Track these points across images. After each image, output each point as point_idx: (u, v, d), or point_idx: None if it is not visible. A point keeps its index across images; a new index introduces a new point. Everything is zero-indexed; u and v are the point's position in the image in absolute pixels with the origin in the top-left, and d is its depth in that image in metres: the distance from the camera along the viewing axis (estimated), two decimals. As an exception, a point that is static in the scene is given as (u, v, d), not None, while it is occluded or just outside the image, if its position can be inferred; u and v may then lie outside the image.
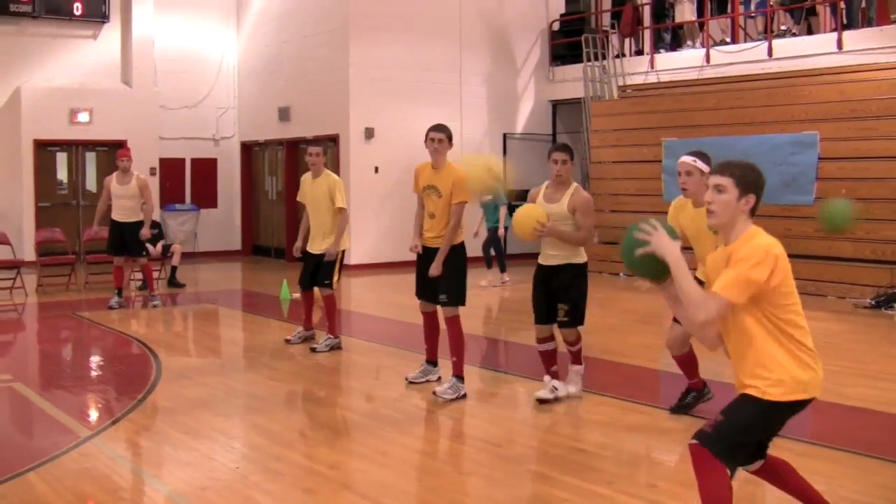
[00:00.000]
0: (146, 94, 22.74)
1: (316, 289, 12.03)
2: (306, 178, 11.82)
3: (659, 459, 7.42)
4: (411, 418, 8.53)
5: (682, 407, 8.47)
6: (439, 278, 9.11)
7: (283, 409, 9.15)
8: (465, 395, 9.12)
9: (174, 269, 18.18)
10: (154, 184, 22.58)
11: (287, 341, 12.14)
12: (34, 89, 21.71)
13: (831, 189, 16.57)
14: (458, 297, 9.21)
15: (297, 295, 15.65)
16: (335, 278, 11.67)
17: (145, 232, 15.32)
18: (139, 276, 17.64)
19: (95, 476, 6.94)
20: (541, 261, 8.89)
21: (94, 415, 9.19)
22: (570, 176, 8.73)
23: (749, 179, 4.81)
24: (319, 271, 11.69)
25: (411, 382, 9.72)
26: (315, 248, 11.71)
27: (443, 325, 9.42)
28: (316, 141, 12.03)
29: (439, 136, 9.24)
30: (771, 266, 4.59)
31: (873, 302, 14.99)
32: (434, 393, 9.11)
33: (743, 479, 5.74)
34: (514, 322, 14.40)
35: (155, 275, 18.08)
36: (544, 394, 8.91)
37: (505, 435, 7.95)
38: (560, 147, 8.87)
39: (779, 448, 7.31)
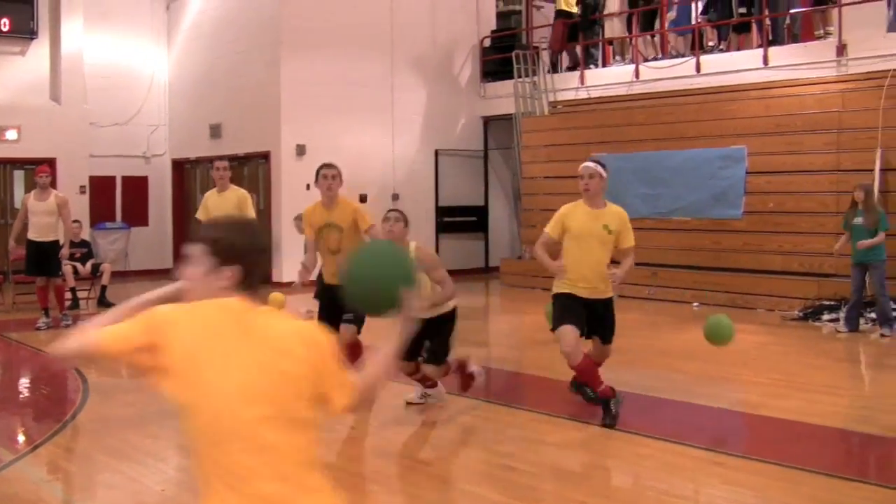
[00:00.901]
0: (76, 111, 22.46)
1: None
2: (211, 194, 11.62)
3: (592, 475, 7.43)
4: (337, 436, 8.45)
5: (613, 417, 8.50)
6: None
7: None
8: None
9: (104, 288, 17.98)
10: (84, 202, 22.35)
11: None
12: (-40, 106, 21.39)
13: (759, 202, 16.78)
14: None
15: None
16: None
17: (65, 252, 14.95)
18: (68, 295, 17.42)
19: (19, 501, 6.84)
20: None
21: (18, 438, 9.06)
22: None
23: (224, 245, 3.30)
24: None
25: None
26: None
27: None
28: (221, 157, 11.73)
29: (332, 172, 9.52)
30: None
31: (801, 314, 15.18)
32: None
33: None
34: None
35: (84, 294, 17.93)
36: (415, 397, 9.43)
37: (433, 452, 7.94)
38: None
39: (708, 462, 7.38)
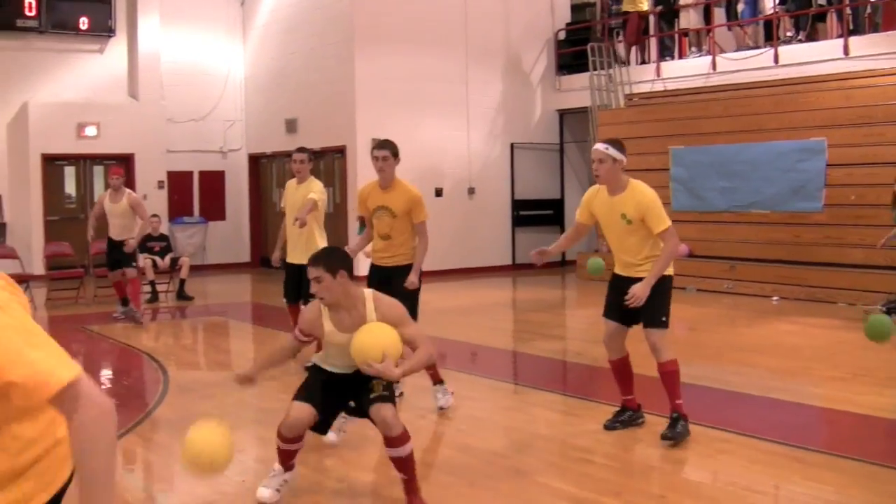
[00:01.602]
0: (153, 107, 22.76)
1: (302, 303, 11.28)
2: (290, 183, 11.39)
3: (668, 469, 7.35)
4: (418, 430, 8.45)
5: (618, 423, 8.26)
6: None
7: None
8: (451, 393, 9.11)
9: (182, 281, 18.19)
10: (162, 197, 22.66)
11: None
12: (41, 104, 21.74)
13: (840, 195, 16.53)
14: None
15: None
16: None
17: (131, 243, 15.04)
18: (147, 288, 17.69)
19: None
20: None
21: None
22: None
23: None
24: (304, 284, 10.39)
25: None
26: (298, 258, 10.88)
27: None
28: (301, 148, 11.42)
29: (382, 154, 9.13)
30: None
31: (884, 308, 14.92)
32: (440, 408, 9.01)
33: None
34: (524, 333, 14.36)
35: (163, 287, 18.15)
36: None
37: (511, 445, 7.91)
38: None
39: (788, 458, 7.28)
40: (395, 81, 20.98)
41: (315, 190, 10.97)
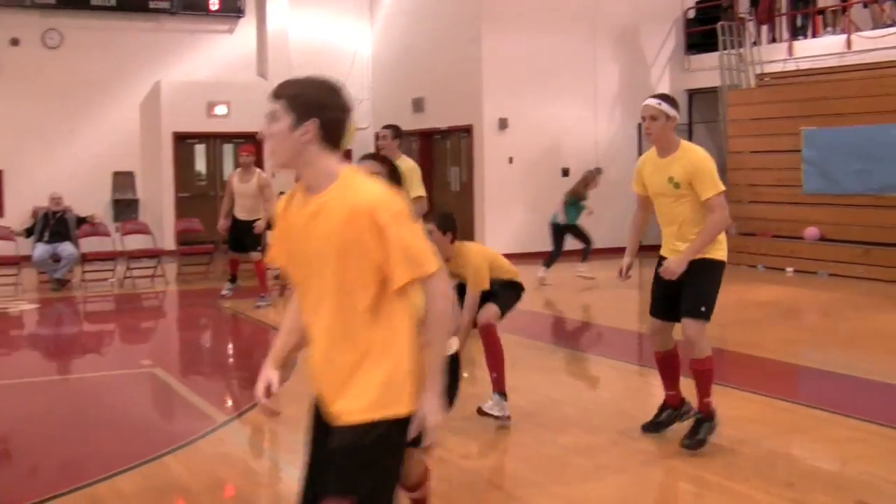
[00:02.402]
0: (282, 86, 22.98)
1: None
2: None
3: (797, 457, 7.19)
4: (545, 411, 8.37)
5: (655, 425, 7.52)
6: None
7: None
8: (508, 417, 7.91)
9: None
10: (290, 176, 22.80)
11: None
12: (173, 83, 22.15)
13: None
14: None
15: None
16: None
17: (260, 224, 14.80)
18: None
19: (231, 461, 7.04)
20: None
21: (230, 401, 9.33)
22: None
23: (304, 99, 3.57)
24: None
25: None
26: None
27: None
28: (388, 125, 10.86)
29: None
30: None
31: None
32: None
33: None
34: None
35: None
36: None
37: (637, 428, 7.81)
38: None
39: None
40: (522, 61, 20.87)
41: (415, 176, 10.40)
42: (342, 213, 3.48)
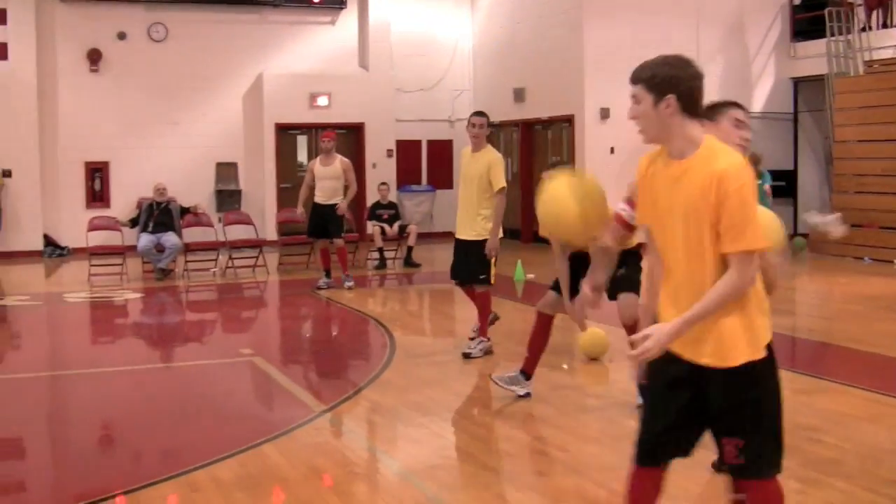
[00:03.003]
0: (383, 77, 23.07)
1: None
2: (465, 152, 10.27)
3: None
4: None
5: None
6: None
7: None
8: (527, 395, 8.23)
9: (410, 249, 18.38)
10: (391, 165, 22.97)
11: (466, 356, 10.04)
12: (275, 75, 22.33)
13: None
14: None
15: (532, 276, 15.69)
16: (492, 272, 9.98)
17: (342, 205, 15.10)
18: (375, 255, 17.99)
19: (328, 450, 7.03)
20: None
21: (328, 390, 9.32)
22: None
23: (660, 79, 3.98)
24: (471, 264, 10.03)
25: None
26: (464, 233, 10.10)
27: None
28: (479, 112, 10.28)
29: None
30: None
31: None
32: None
33: None
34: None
35: (391, 254, 18.39)
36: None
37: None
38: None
39: None
40: (624, 50, 20.56)
41: (498, 167, 9.87)
42: (702, 178, 3.84)
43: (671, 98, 3.93)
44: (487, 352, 9.98)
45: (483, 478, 6.35)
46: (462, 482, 6.40)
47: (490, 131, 10.32)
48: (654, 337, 3.91)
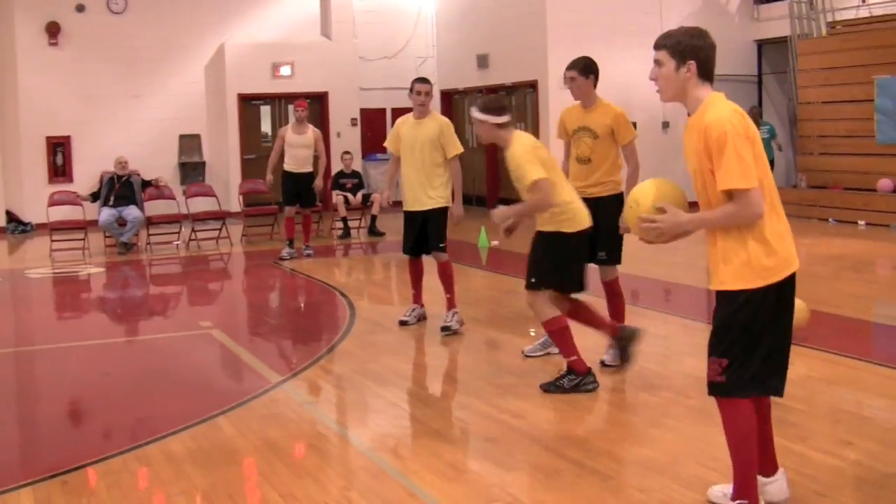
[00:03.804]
0: (346, 46, 22.92)
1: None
2: (405, 119, 9.94)
3: (860, 415, 6.94)
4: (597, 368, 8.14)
5: (555, 387, 7.42)
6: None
7: (472, 357, 9.03)
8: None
9: (374, 217, 18.31)
10: (355, 134, 22.86)
11: (402, 322, 10.06)
12: (237, 45, 22.15)
13: None
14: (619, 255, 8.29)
15: (496, 243, 15.65)
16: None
17: (319, 182, 15.45)
18: (339, 224, 17.95)
19: (283, 422, 6.98)
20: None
21: (284, 361, 9.29)
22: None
23: (683, 46, 4.71)
24: (429, 234, 9.78)
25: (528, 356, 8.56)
26: (418, 204, 9.79)
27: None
28: (423, 78, 9.97)
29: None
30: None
31: None
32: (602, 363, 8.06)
33: None
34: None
35: (355, 223, 18.33)
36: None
37: (694, 385, 7.62)
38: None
39: None
40: (587, 14, 20.54)
41: (450, 133, 9.69)
42: (697, 130, 4.61)
43: (692, 63, 4.66)
44: (461, 323, 9.79)
45: (437, 448, 6.31)
46: (415, 451, 6.36)
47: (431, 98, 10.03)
48: (670, 223, 4.74)
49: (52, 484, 5.91)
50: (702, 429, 6.38)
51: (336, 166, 19.65)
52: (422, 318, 10.12)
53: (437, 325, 9.77)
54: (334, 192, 18.57)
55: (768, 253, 4.56)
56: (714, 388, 4.73)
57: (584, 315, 7.56)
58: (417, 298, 10.17)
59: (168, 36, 22.05)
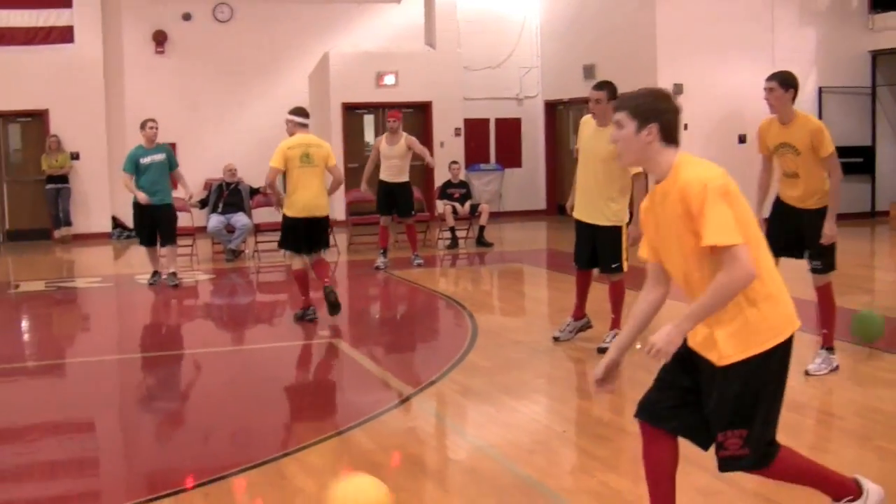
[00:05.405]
0: (450, 55, 22.78)
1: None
2: (587, 120, 9.29)
3: None
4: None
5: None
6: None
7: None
8: (836, 368, 8.01)
9: (482, 228, 18.12)
10: (459, 144, 22.71)
11: (555, 339, 9.52)
12: (342, 54, 22.12)
13: None
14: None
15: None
16: (625, 257, 9.01)
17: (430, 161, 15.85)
18: (447, 234, 17.78)
19: (421, 436, 6.83)
20: None
21: (412, 372, 9.10)
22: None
23: (644, 108, 4.37)
24: (601, 251, 9.07)
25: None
26: (591, 217, 9.08)
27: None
28: (599, 84, 9.18)
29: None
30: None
31: None
32: (806, 372, 7.90)
33: None
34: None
35: (462, 233, 18.15)
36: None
37: (846, 406, 7.29)
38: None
39: None
40: (698, 25, 20.19)
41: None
42: (674, 193, 4.24)
43: (653, 126, 4.33)
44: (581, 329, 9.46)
45: (588, 465, 6.08)
46: (565, 469, 6.13)
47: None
48: (664, 336, 4.18)
49: (195, 495, 5.78)
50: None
51: (442, 176, 19.48)
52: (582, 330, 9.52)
53: (578, 340, 9.46)
54: (441, 202, 18.41)
55: (765, 316, 4.27)
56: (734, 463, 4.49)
57: None
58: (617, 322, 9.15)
59: (272, 44, 22.18)
